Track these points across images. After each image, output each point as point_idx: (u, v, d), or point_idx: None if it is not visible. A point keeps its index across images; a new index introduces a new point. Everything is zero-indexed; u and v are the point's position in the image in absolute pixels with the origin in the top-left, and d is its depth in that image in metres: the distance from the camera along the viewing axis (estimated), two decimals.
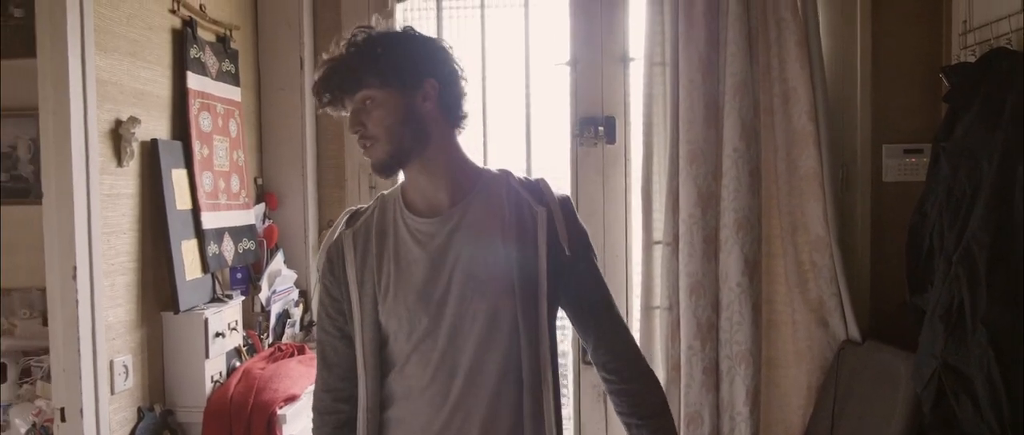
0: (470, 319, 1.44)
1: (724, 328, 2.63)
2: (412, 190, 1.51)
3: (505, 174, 1.56)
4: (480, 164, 1.58)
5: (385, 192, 1.58)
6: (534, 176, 1.58)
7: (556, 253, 1.50)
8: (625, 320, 1.69)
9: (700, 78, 2.57)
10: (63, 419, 1.95)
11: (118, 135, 2.10)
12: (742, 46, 2.55)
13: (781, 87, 2.58)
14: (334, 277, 1.51)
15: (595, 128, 2.81)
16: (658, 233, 2.70)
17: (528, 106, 2.91)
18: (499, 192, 1.51)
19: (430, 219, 1.48)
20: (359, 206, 1.59)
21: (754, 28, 2.58)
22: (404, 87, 1.43)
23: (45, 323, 2.53)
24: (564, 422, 2.93)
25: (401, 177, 1.54)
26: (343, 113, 1.47)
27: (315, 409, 1.58)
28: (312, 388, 2.41)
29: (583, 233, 1.58)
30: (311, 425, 1.60)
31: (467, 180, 1.51)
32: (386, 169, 1.46)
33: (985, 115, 2.06)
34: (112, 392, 2.07)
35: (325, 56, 1.47)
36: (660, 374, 2.73)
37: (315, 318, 1.60)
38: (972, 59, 2.35)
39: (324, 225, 2.95)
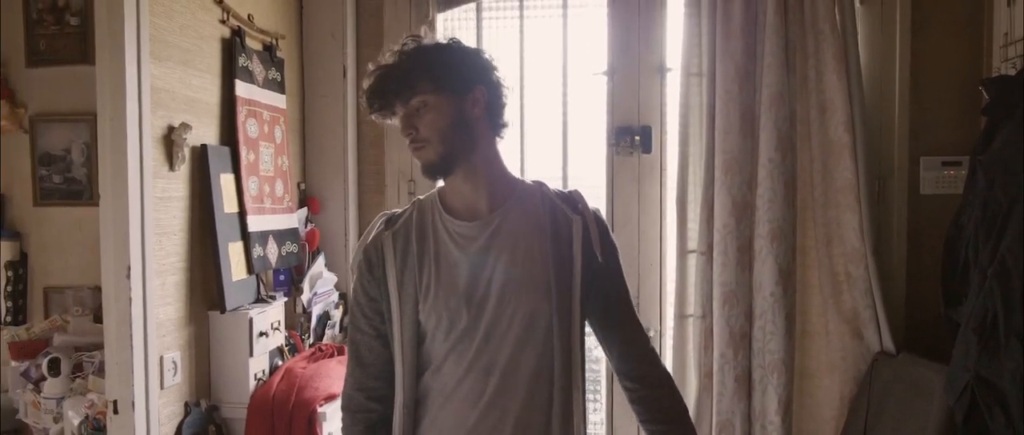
0: (508, 320, 1.50)
1: (757, 337, 2.65)
2: (453, 194, 1.57)
3: (539, 185, 1.62)
4: (516, 174, 1.64)
5: (421, 197, 1.64)
6: (568, 188, 1.65)
7: (589, 260, 1.56)
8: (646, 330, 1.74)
9: (736, 89, 2.60)
10: (116, 411, 2.04)
11: (170, 141, 2.19)
12: (779, 58, 2.57)
13: (818, 98, 2.59)
14: (373, 277, 1.56)
15: (631, 137, 2.85)
16: (693, 242, 2.73)
17: (565, 115, 2.96)
18: (535, 200, 1.58)
19: (470, 223, 1.54)
20: (394, 211, 1.64)
21: (792, 40, 2.60)
22: (456, 92, 1.50)
23: (96, 320, 2.64)
24: (597, 427, 2.98)
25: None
26: (391, 120, 1.53)
27: (346, 408, 1.60)
28: None
29: (614, 245, 1.64)
30: (341, 424, 1.63)
31: (506, 187, 1.57)
32: (436, 171, 1.52)
33: (1023, 129, 2.05)
34: (162, 387, 2.16)
35: (374, 65, 1.53)
36: (692, 382, 2.75)
37: (350, 317, 1.64)
38: (1012, 72, 2.35)
39: (364, 229, 3.01)
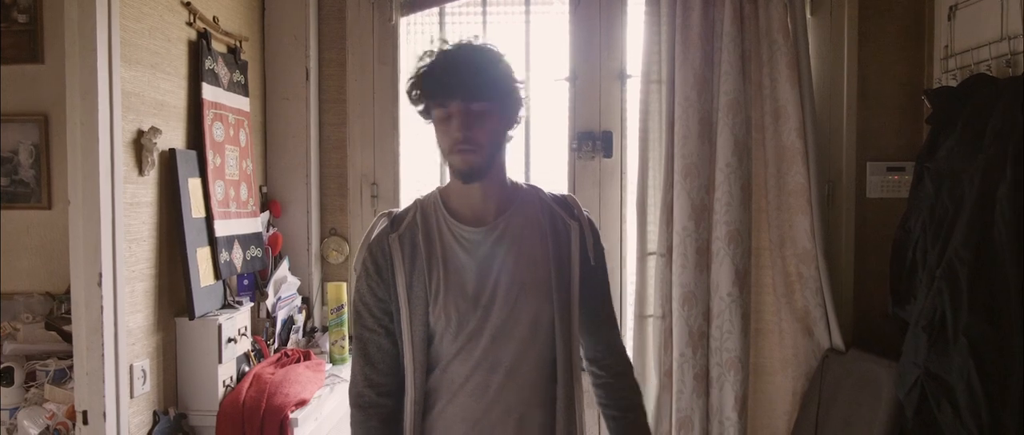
0: (513, 321, 1.57)
1: (715, 336, 2.74)
2: (461, 198, 1.61)
3: (536, 189, 1.69)
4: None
5: (421, 196, 1.68)
6: (560, 191, 1.73)
7: (584, 263, 1.66)
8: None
9: (695, 96, 2.68)
10: (86, 422, 2.00)
11: (140, 145, 2.15)
12: (736, 66, 2.67)
13: (772, 105, 2.70)
14: (381, 279, 1.60)
15: (593, 142, 2.91)
16: (652, 244, 2.81)
17: (527, 119, 3.00)
18: (535, 205, 1.65)
19: (477, 228, 1.60)
20: (393, 210, 1.68)
21: (747, 49, 2.70)
22: (511, 109, 1.57)
23: (48, 327, 2.57)
24: None
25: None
26: (436, 111, 1.52)
27: (356, 405, 1.64)
28: (321, 392, 2.50)
29: (603, 248, 1.72)
30: (351, 421, 1.65)
31: (509, 193, 1.63)
32: (474, 176, 1.54)
33: (967, 138, 2.19)
34: (132, 396, 2.12)
35: (435, 51, 1.54)
36: (653, 380, 2.83)
37: (353, 316, 1.66)
38: (953, 83, 2.49)
39: (326, 233, 3.01)
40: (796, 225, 2.71)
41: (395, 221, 1.64)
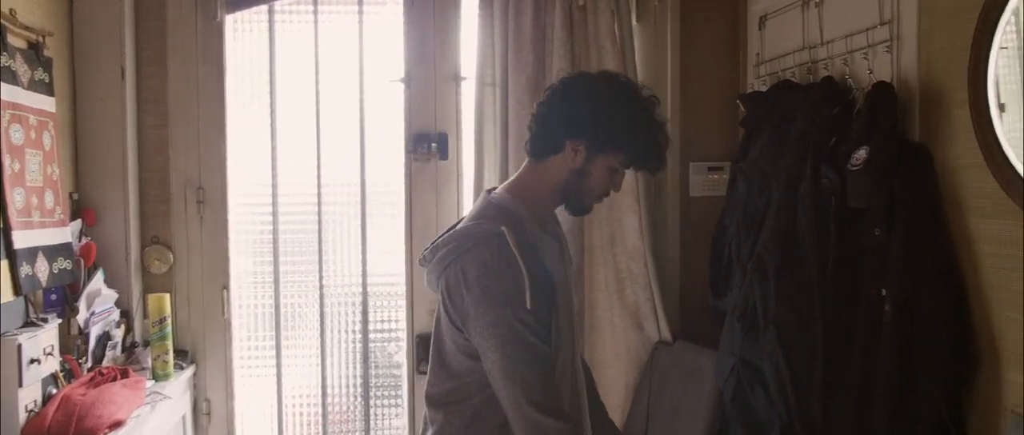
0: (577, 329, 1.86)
1: None
2: (545, 213, 1.76)
3: None
4: None
5: (503, 207, 1.68)
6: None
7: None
8: None
9: (528, 98, 2.73)
10: None
11: None
12: (566, 70, 2.73)
13: None
14: (543, 293, 1.57)
15: (429, 144, 2.90)
16: None
17: (362, 120, 2.95)
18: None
19: (556, 242, 1.77)
20: (501, 229, 1.58)
21: (577, 54, 2.78)
22: None
23: None
24: (400, 431, 3.01)
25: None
26: (618, 164, 1.71)
27: (561, 416, 1.57)
28: (140, 412, 2.35)
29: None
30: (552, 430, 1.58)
31: None
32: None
33: (774, 140, 2.34)
34: None
35: (664, 125, 1.71)
36: None
37: (516, 329, 1.55)
38: (764, 88, 2.66)
39: (148, 241, 2.84)
40: (625, 223, 2.81)
41: (529, 243, 1.61)
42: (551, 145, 1.68)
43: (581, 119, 1.64)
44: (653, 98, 1.69)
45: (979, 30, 1.73)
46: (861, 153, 1.93)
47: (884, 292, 1.88)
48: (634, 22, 2.91)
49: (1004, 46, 1.71)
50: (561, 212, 1.80)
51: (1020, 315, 1.68)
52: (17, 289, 2.22)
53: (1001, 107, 1.72)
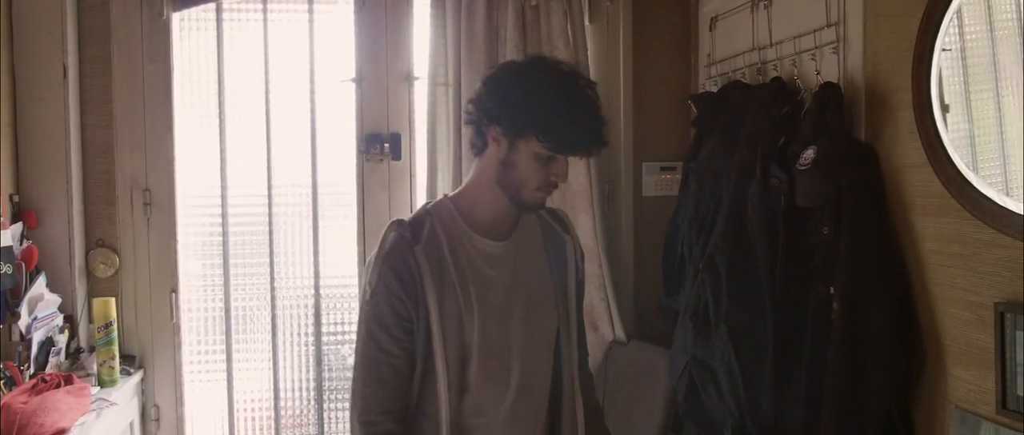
0: (536, 336, 1.63)
1: None
2: (486, 211, 1.60)
3: None
4: None
5: (428, 206, 1.62)
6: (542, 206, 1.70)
7: (577, 276, 1.72)
8: None
9: None
10: None
11: None
12: None
13: None
14: (406, 295, 1.52)
15: (381, 144, 2.87)
16: None
17: (313, 121, 2.91)
18: (532, 218, 1.69)
19: (498, 243, 1.61)
20: (403, 218, 1.59)
21: (530, 54, 2.77)
22: None
23: None
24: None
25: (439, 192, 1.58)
26: (536, 149, 1.51)
27: (370, 433, 1.55)
28: (86, 419, 2.28)
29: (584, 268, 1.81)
30: None
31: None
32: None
33: (724, 140, 2.37)
34: None
35: (574, 94, 1.51)
36: None
37: (364, 336, 1.57)
38: (715, 88, 2.69)
39: (92, 244, 2.76)
40: (580, 225, 2.81)
41: (414, 232, 1.55)
42: (481, 138, 1.60)
43: (496, 105, 1.55)
44: (577, 75, 1.56)
45: (922, 31, 1.77)
46: (809, 153, 1.95)
47: (833, 290, 1.90)
48: (587, 22, 2.92)
49: (947, 48, 1.75)
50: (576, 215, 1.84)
51: (964, 312, 1.72)
52: None
53: (945, 108, 1.75)
